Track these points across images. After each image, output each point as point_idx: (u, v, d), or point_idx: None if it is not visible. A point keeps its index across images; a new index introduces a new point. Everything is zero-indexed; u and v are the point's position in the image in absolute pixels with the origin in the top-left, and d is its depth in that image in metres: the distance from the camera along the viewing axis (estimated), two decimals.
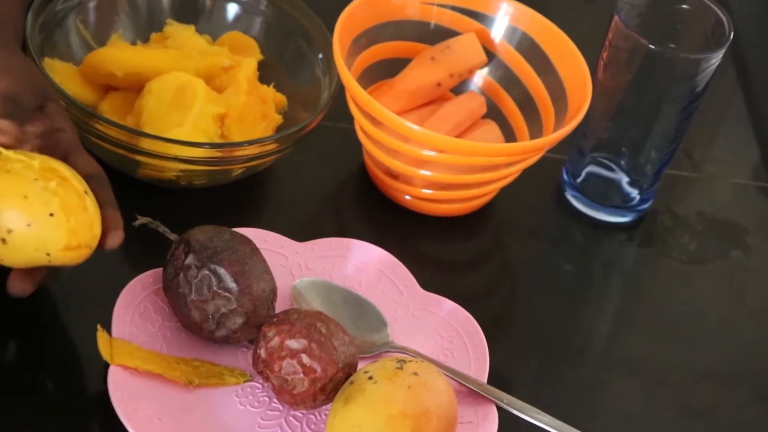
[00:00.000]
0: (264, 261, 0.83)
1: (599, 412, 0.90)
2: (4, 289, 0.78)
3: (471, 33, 0.99)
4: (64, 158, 0.79)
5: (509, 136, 0.99)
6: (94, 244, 0.78)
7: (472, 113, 0.98)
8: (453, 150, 0.90)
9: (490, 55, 1.00)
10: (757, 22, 1.25)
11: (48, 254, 0.76)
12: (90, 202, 0.77)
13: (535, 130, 0.97)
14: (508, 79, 1.00)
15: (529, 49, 0.99)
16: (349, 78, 0.91)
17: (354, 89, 0.91)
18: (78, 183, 0.77)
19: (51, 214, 0.76)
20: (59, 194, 0.76)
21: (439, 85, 0.98)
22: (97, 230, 0.78)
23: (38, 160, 0.77)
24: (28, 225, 0.76)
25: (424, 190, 0.95)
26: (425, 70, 0.98)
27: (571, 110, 0.94)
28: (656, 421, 0.89)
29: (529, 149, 0.92)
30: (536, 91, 0.98)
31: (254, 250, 0.83)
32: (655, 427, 0.89)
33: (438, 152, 0.90)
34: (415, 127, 0.89)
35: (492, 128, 0.99)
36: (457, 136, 0.96)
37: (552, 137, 0.91)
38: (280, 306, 0.84)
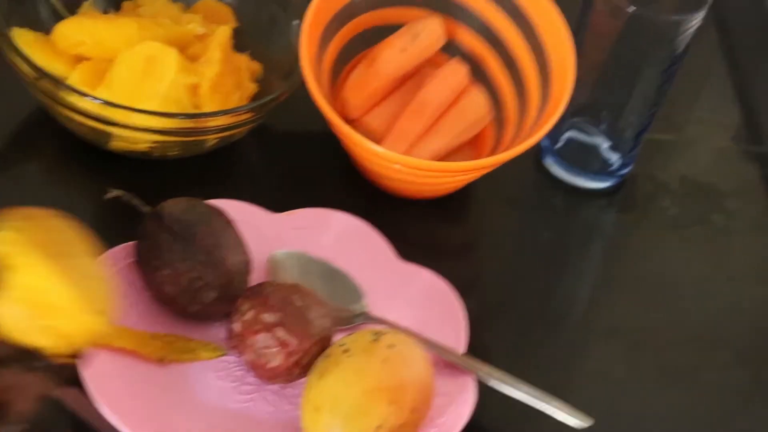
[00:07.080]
0: (239, 233, 0.82)
1: (580, 378, 0.89)
2: None
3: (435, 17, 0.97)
4: None
5: (495, 98, 0.98)
6: None
7: (454, 91, 0.96)
8: (418, 168, 0.88)
9: (474, 15, 0.98)
10: None
11: None
12: None
13: (521, 94, 0.96)
14: (492, 41, 0.98)
15: (512, 10, 0.97)
16: (318, 95, 0.89)
17: (320, 103, 0.89)
18: None
19: None
20: None
21: (416, 71, 0.97)
22: None
23: None
24: None
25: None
26: (398, 62, 0.96)
27: (554, 76, 0.93)
28: (638, 384, 0.89)
29: (494, 162, 0.90)
30: (519, 52, 0.97)
31: (228, 222, 0.82)
32: (636, 391, 0.89)
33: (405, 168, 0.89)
34: (378, 148, 0.87)
35: (476, 98, 0.97)
36: (442, 114, 0.94)
37: (528, 142, 0.89)
38: (256, 279, 0.83)
